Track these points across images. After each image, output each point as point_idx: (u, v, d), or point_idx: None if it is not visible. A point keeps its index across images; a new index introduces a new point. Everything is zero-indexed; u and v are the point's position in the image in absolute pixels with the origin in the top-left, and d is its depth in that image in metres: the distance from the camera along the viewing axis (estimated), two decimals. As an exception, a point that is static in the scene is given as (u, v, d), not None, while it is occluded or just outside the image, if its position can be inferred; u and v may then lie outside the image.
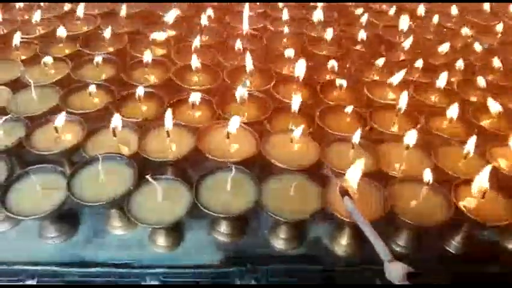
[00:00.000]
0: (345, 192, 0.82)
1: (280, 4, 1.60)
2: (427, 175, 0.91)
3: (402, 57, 1.41)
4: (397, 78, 1.22)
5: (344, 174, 0.89)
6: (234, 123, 0.99)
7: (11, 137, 1.00)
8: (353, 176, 0.87)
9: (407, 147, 1.02)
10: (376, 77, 1.32)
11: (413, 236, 0.97)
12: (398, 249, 0.98)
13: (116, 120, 0.98)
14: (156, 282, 0.90)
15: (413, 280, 0.64)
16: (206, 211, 0.86)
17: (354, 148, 1.00)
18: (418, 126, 1.12)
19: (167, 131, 0.99)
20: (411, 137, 1.01)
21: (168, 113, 0.98)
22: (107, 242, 0.97)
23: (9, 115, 1.02)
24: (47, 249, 0.95)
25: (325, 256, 0.97)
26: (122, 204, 0.88)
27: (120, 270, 0.91)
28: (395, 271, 0.65)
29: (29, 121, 1.04)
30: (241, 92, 1.08)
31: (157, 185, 0.87)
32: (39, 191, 0.90)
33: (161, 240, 0.95)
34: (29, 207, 0.88)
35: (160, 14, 1.49)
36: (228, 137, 1.00)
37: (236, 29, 1.48)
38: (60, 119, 1.00)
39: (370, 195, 0.93)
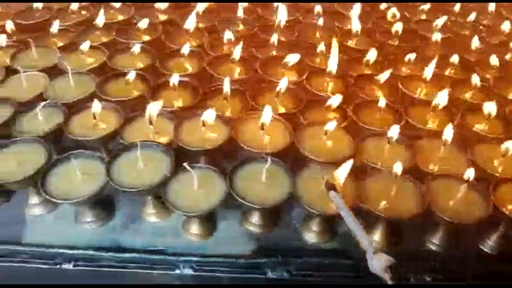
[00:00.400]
0: (331, 187, 0.83)
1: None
2: (470, 173, 0.89)
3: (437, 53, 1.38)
4: (429, 71, 1.20)
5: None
6: (268, 114, 0.99)
7: (48, 123, 1.03)
8: (341, 172, 0.86)
9: (445, 144, 1.00)
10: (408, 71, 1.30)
11: (448, 233, 0.96)
12: (433, 247, 0.97)
13: (153, 108, 0.99)
14: (189, 271, 0.91)
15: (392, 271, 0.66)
16: (242, 201, 0.87)
17: (390, 143, 0.99)
18: (455, 122, 1.10)
19: (203, 121, 0.99)
20: (448, 133, 0.99)
21: (210, 111, 0.98)
22: (142, 229, 0.98)
23: (48, 101, 1.04)
24: (83, 233, 0.97)
25: (356, 251, 0.96)
26: (158, 191, 0.89)
27: (155, 257, 0.92)
28: (377, 262, 0.67)
29: (66, 108, 1.05)
30: (282, 84, 1.08)
31: (193, 172, 0.88)
32: (78, 176, 0.91)
33: (194, 228, 0.96)
34: (68, 191, 0.89)
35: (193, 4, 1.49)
36: (262, 128, 1.00)
37: (268, 20, 1.47)
38: (98, 105, 1.02)
39: (407, 191, 0.92)
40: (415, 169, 0.97)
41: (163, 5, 1.47)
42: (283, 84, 1.10)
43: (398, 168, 0.88)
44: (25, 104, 1.08)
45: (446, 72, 1.30)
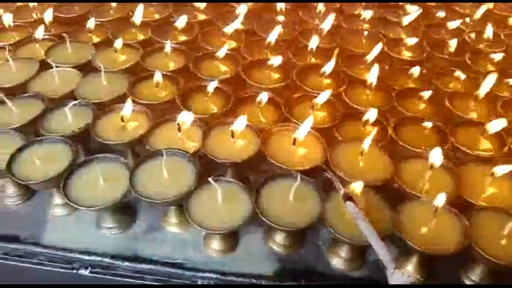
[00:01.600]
0: (348, 198, 0.78)
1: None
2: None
3: (491, 69, 1.27)
4: (483, 90, 1.10)
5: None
6: (304, 129, 0.93)
7: (77, 122, 1.01)
8: (357, 185, 0.82)
9: (492, 174, 0.91)
10: (457, 88, 1.20)
11: (488, 271, 0.87)
12: (468, 282, 0.88)
13: (184, 117, 0.95)
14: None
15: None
16: (267, 221, 0.81)
17: (431, 169, 0.91)
18: (505, 148, 1.00)
19: (232, 131, 0.94)
20: (500, 168, 0.90)
21: (242, 118, 0.94)
22: (162, 238, 0.95)
23: (78, 100, 1.02)
24: (102, 239, 0.95)
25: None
26: (181, 203, 0.85)
27: (173, 270, 0.89)
28: (398, 279, 0.63)
29: (96, 107, 1.03)
30: (322, 97, 1.01)
31: (218, 187, 0.84)
32: (100, 181, 0.89)
33: (216, 243, 0.92)
34: (91, 196, 0.87)
35: (233, 5, 1.44)
36: (294, 143, 0.94)
37: (309, 24, 1.40)
38: (128, 108, 0.99)
39: (448, 223, 0.84)
40: (457, 198, 0.88)
41: (202, 4, 1.43)
42: (322, 98, 1.03)
43: (441, 199, 0.80)
44: (55, 100, 1.06)
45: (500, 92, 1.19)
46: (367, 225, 0.71)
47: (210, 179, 0.84)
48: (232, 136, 0.95)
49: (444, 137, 1.03)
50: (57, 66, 1.13)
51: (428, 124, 1.02)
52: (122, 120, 0.98)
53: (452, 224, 0.84)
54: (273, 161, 0.91)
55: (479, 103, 1.12)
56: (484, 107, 1.13)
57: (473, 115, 1.11)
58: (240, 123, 0.94)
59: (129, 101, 1.00)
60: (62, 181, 0.87)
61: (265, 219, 0.82)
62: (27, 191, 1.02)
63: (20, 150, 0.93)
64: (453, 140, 1.01)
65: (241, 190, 0.88)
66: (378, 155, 0.96)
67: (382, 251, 0.66)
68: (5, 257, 0.92)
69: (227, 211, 0.86)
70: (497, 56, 1.28)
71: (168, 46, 1.19)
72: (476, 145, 1.02)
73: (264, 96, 1.03)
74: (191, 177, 0.89)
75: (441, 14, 1.51)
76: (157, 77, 1.09)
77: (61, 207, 0.98)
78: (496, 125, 0.99)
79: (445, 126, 1.05)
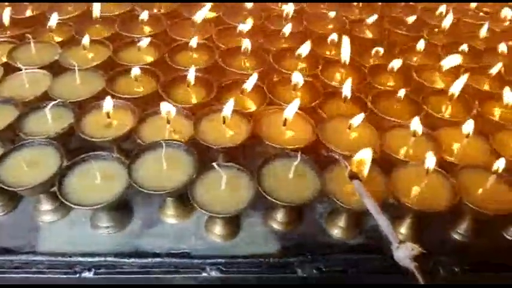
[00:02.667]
0: (354, 176, 0.81)
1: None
2: (499, 163, 0.88)
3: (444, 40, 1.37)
4: (448, 62, 1.19)
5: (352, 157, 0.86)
6: (292, 109, 0.95)
7: (56, 124, 0.97)
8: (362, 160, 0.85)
9: (468, 136, 0.99)
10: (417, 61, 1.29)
11: (473, 224, 0.95)
12: (458, 237, 0.96)
13: (168, 107, 0.94)
14: (217, 273, 0.88)
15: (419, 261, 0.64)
16: (274, 200, 0.83)
17: (415, 136, 0.97)
18: (473, 112, 1.09)
19: (223, 117, 0.95)
20: (470, 125, 0.98)
21: (231, 103, 0.94)
22: (162, 232, 0.94)
23: (58, 100, 0.98)
24: (100, 239, 0.92)
25: (385, 246, 0.95)
26: (185, 193, 0.85)
27: (179, 260, 0.89)
28: (403, 252, 0.65)
29: (76, 106, 1.00)
30: (297, 77, 1.04)
31: (222, 172, 0.84)
32: (97, 179, 0.86)
33: (218, 229, 0.92)
34: (86, 195, 0.84)
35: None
36: (284, 124, 0.97)
37: (274, 10, 1.43)
38: (110, 103, 0.97)
39: (437, 183, 0.90)
40: (440, 160, 0.95)
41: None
42: (298, 79, 1.06)
43: (431, 161, 0.86)
44: (29, 103, 1.01)
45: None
46: (373, 202, 0.73)
47: (214, 164, 0.85)
48: (224, 122, 0.96)
49: (417, 106, 1.09)
50: (25, 69, 1.07)
51: (401, 94, 1.08)
52: (108, 116, 0.95)
53: (441, 184, 0.90)
54: (270, 143, 0.93)
55: (443, 74, 1.21)
56: (447, 76, 1.21)
57: (440, 85, 1.19)
58: (229, 108, 0.95)
59: (108, 98, 0.98)
60: (57, 184, 0.83)
61: (271, 198, 0.83)
62: (11, 201, 0.96)
63: (3, 156, 0.88)
64: (426, 108, 1.08)
65: (242, 173, 0.89)
66: (362, 127, 1.00)
67: (386, 227, 0.69)
68: (1, 270, 0.87)
69: (230, 195, 0.86)
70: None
71: (145, 41, 1.17)
72: (446, 111, 1.10)
73: (250, 83, 1.04)
74: (189, 166, 0.88)
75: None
76: (135, 71, 1.07)
77: (50, 213, 0.94)
78: (450, 61, 1.08)
79: (417, 96, 1.12)
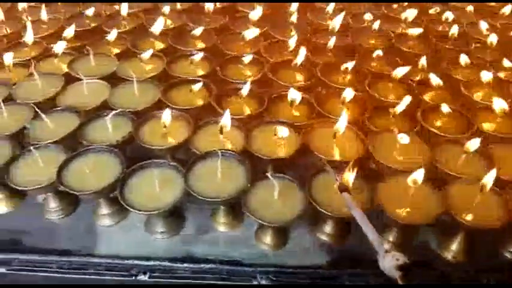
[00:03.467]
0: (343, 188, 0.81)
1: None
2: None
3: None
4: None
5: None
6: (342, 122, 0.97)
7: (116, 132, 1.02)
8: (350, 174, 0.84)
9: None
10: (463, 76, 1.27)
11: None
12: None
13: (225, 119, 0.97)
14: (267, 282, 0.89)
15: (404, 271, 0.64)
16: (325, 212, 0.85)
17: (467, 153, 0.96)
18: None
19: (275, 129, 0.98)
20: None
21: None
22: (214, 239, 0.97)
23: (119, 110, 1.03)
24: (155, 244, 0.96)
25: (435, 261, 0.95)
26: (238, 201, 0.88)
27: (232, 267, 0.91)
28: (388, 261, 0.65)
29: (134, 116, 1.05)
30: (348, 92, 1.06)
31: (275, 182, 0.86)
32: (155, 186, 0.90)
33: (268, 238, 0.94)
34: (145, 201, 0.88)
35: (244, 10, 1.48)
36: (334, 137, 0.98)
37: (320, 25, 1.45)
38: (167, 114, 1.01)
39: (489, 200, 0.89)
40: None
41: (210, 5, 1.46)
42: (348, 93, 1.08)
43: (489, 178, 0.85)
44: (89, 112, 1.07)
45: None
46: (361, 214, 0.74)
47: (268, 175, 0.87)
48: (275, 134, 0.98)
49: (467, 121, 1.09)
50: (86, 79, 1.13)
51: (446, 109, 1.08)
52: (165, 126, 1.00)
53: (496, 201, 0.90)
54: (320, 155, 0.95)
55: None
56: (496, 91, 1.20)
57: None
58: (281, 124, 0.98)
59: (167, 109, 1.02)
60: (118, 189, 0.88)
61: (322, 210, 0.85)
62: (70, 205, 1.02)
63: (66, 162, 0.93)
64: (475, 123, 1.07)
65: (292, 184, 0.91)
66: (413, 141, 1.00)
67: (374, 238, 0.70)
68: (60, 270, 0.91)
69: (281, 205, 0.88)
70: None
71: (199, 55, 1.22)
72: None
73: (296, 96, 1.07)
74: (243, 175, 0.91)
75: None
76: (195, 85, 1.11)
77: (107, 217, 0.99)
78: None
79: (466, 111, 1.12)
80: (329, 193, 0.90)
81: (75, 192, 0.88)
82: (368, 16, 1.49)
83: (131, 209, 0.85)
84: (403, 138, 0.97)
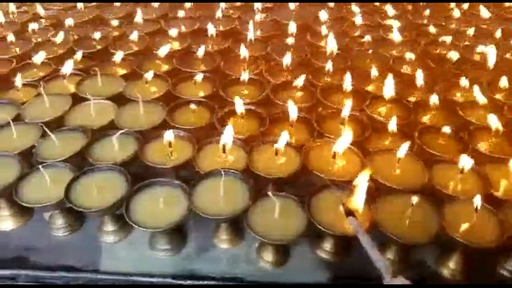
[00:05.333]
0: (349, 212, 0.83)
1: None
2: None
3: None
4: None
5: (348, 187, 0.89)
6: (342, 142, 1.00)
7: (122, 151, 1.05)
8: (359, 197, 0.86)
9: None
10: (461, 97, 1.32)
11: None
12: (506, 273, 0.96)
13: (227, 137, 1.01)
14: (268, 299, 0.91)
15: None
16: (325, 230, 0.87)
17: (462, 172, 0.99)
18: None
19: (276, 149, 1.01)
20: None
21: (284, 134, 1.00)
22: (216, 256, 0.99)
23: (125, 130, 1.06)
24: (158, 261, 0.98)
25: (432, 279, 0.96)
26: (240, 219, 0.90)
27: (234, 283, 0.93)
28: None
29: (140, 135, 1.08)
30: (345, 111, 1.10)
31: (277, 201, 0.89)
32: (159, 203, 0.93)
33: (269, 255, 0.96)
34: (148, 218, 0.91)
35: (245, 33, 1.53)
36: (334, 157, 1.01)
37: (320, 47, 1.50)
38: (170, 134, 1.04)
39: (485, 219, 0.92)
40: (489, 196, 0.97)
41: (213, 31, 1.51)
42: (346, 112, 1.11)
43: (478, 200, 0.88)
44: (96, 131, 1.11)
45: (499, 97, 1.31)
46: (367, 238, 0.77)
47: (269, 193, 0.90)
48: (276, 153, 1.01)
49: (462, 142, 1.12)
50: (93, 99, 1.17)
51: (447, 130, 1.11)
52: (170, 145, 1.03)
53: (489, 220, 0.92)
54: (320, 174, 0.97)
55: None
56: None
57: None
58: (283, 141, 1.01)
59: (170, 131, 1.04)
60: (124, 207, 0.90)
61: (323, 229, 0.87)
62: (76, 221, 1.04)
63: (74, 180, 0.96)
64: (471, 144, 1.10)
65: (293, 203, 0.94)
66: (411, 161, 1.04)
67: (379, 262, 0.73)
68: (67, 285, 0.94)
69: (282, 223, 0.91)
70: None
71: (200, 76, 1.26)
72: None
73: (293, 114, 1.10)
74: (245, 194, 0.94)
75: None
76: (193, 105, 1.15)
77: (112, 233, 1.01)
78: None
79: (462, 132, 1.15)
80: (330, 211, 0.92)
81: (83, 210, 0.91)
82: (366, 39, 1.53)
83: (136, 226, 0.87)
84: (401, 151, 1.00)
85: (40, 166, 0.97)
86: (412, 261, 0.98)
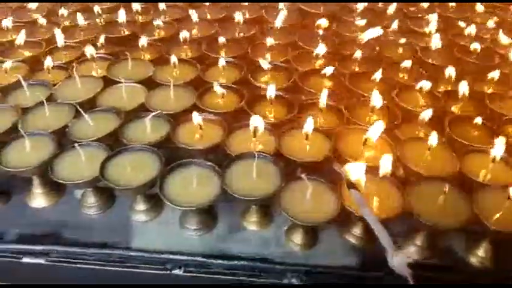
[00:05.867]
0: (352, 185, 0.83)
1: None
2: None
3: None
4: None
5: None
6: (375, 130, 1.00)
7: (154, 133, 1.06)
8: (356, 170, 0.87)
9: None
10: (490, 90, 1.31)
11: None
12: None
13: (257, 121, 1.01)
14: (297, 281, 0.92)
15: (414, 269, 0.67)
16: (358, 215, 0.87)
17: (494, 162, 0.99)
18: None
19: (306, 134, 1.01)
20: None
21: (311, 119, 1.00)
22: (245, 237, 1.00)
23: (158, 112, 1.08)
24: (188, 240, 0.99)
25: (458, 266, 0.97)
26: (272, 201, 0.91)
27: (264, 265, 0.94)
28: (398, 259, 0.68)
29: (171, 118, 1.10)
30: (376, 100, 1.10)
31: (309, 184, 0.90)
32: (192, 183, 0.94)
33: (298, 238, 0.97)
34: (181, 198, 0.92)
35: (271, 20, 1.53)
36: (364, 144, 1.02)
37: (347, 37, 1.50)
38: (199, 117, 1.05)
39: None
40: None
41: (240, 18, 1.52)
42: (377, 101, 1.11)
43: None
44: (128, 113, 1.12)
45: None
46: (369, 211, 0.77)
47: (303, 176, 0.91)
48: (306, 138, 1.02)
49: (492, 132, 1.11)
50: (125, 82, 1.18)
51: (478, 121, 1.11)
52: (200, 128, 1.04)
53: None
54: (349, 159, 0.98)
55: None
56: None
57: None
58: (310, 125, 1.01)
59: (199, 111, 1.06)
60: (158, 185, 0.92)
61: (355, 213, 0.88)
62: (108, 200, 1.06)
63: (108, 159, 0.98)
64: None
65: (325, 187, 0.95)
66: (441, 150, 1.04)
67: (382, 235, 0.72)
68: (99, 262, 0.95)
69: (313, 206, 0.91)
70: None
71: (223, 60, 1.27)
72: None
73: (323, 101, 1.11)
74: (277, 176, 0.95)
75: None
76: (219, 89, 1.16)
77: (143, 213, 1.03)
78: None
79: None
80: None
81: (118, 187, 0.92)
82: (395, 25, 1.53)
83: (172, 205, 0.88)
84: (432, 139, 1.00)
85: (76, 144, 0.99)
86: (440, 248, 0.98)
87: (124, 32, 1.52)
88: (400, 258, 0.69)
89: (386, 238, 0.72)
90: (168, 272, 0.94)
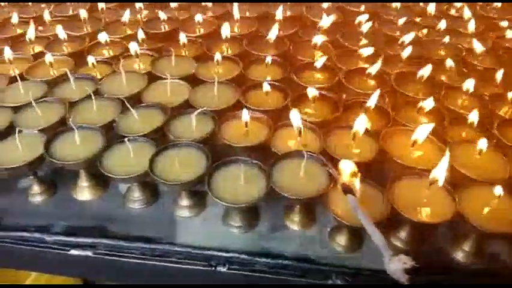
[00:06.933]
0: (348, 190, 0.81)
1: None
2: None
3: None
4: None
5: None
6: (423, 131, 0.98)
7: (199, 129, 1.07)
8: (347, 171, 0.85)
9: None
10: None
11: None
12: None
13: (300, 121, 1.01)
14: (342, 282, 0.91)
15: (412, 274, 0.66)
16: (409, 218, 0.86)
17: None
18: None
19: (353, 133, 1.00)
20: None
21: (361, 118, 0.99)
22: (288, 236, 0.99)
23: (204, 108, 1.08)
24: (232, 237, 0.99)
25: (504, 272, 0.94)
26: (318, 201, 0.91)
27: (307, 265, 0.93)
28: (394, 264, 0.67)
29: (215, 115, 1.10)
30: (428, 101, 1.08)
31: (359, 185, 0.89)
32: (238, 181, 0.94)
33: (342, 239, 0.96)
34: (226, 195, 0.92)
35: (313, 19, 1.52)
36: (412, 145, 1.00)
37: (389, 36, 1.48)
38: (247, 114, 1.05)
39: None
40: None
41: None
42: (428, 103, 1.09)
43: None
44: (173, 109, 1.13)
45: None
46: (365, 215, 0.75)
47: (329, 169, 0.91)
48: (353, 138, 1.01)
49: None
50: (170, 78, 1.20)
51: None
52: (246, 126, 1.04)
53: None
54: (400, 161, 0.96)
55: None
56: None
57: None
58: (360, 124, 1.00)
59: (245, 110, 1.06)
60: (206, 182, 0.92)
61: (407, 216, 0.86)
62: (153, 195, 1.07)
63: (156, 154, 0.99)
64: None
65: (373, 189, 0.93)
66: (491, 154, 1.01)
67: (379, 240, 0.71)
68: (144, 257, 0.97)
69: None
70: None
71: (269, 58, 1.26)
72: None
73: (372, 102, 1.09)
74: (322, 177, 0.94)
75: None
76: (266, 87, 1.15)
77: (187, 208, 1.04)
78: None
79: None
80: (409, 199, 0.91)
81: (166, 183, 0.93)
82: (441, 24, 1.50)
83: (219, 202, 0.89)
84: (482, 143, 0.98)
85: (126, 139, 1.00)
86: (488, 254, 0.96)
87: (165, 28, 1.53)
88: (396, 264, 0.68)
89: (382, 243, 0.71)
90: (213, 268, 0.94)
